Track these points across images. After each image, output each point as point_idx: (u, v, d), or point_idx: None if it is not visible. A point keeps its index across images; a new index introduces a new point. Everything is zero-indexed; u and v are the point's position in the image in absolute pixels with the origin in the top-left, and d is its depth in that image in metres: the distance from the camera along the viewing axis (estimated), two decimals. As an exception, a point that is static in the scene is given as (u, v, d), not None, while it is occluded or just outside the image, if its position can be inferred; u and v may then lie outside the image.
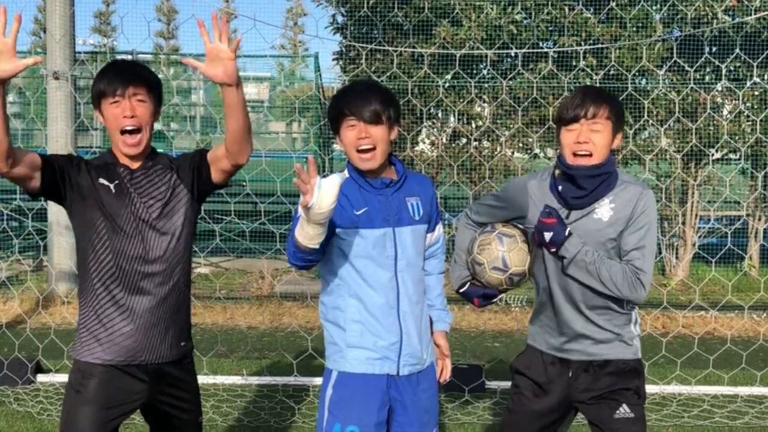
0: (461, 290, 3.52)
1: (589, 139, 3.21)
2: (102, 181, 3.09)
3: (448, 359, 3.42)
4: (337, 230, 3.08)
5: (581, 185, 3.25)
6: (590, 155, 3.22)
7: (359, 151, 3.11)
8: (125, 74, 3.11)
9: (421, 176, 3.41)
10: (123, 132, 3.07)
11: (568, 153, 3.26)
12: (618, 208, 3.25)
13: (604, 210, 3.26)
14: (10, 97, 14.81)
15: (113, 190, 3.08)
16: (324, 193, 2.80)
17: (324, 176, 2.85)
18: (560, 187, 3.30)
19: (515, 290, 9.01)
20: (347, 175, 3.13)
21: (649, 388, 6.40)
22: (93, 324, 3.09)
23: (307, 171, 2.82)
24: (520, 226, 3.41)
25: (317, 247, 2.95)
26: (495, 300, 3.53)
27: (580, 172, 3.23)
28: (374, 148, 3.12)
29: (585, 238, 3.24)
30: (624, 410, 3.28)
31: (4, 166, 2.91)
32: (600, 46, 9.35)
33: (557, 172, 3.33)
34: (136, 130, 3.08)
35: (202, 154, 3.19)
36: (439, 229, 3.40)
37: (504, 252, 3.33)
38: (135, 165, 3.15)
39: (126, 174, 3.12)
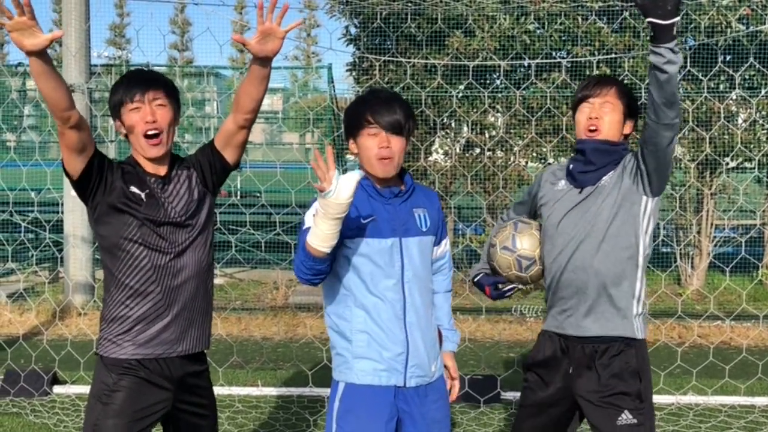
0: (475, 279, 3.66)
1: (600, 115, 3.39)
2: (133, 189, 3.15)
3: (457, 381, 3.39)
4: (344, 239, 3.06)
5: (590, 159, 3.40)
6: (599, 130, 3.39)
7: (379, 159, 3.11)
8: (142, 80, 3.19)
9: (428, 189, 3.40)
10: (145, 136, 3.14)
11: (582, 131, 3.44)
12: (616, 173, 3.39)
13: (607, 178, 3.40)
14: (27, 110, 14.92)
15: (144, 199, 3.15)
16: (342, 185, 2.85)
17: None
18: (571, 166, 3.47)
19: (529, 301, 9.02)
20: (363, 174, 3.05)
21: (665, 399, 6.39)
22: (125, 319, 3.13)
23: (324, 158, 2.85)
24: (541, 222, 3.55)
25: (329, 251, 2.94)
26: (508, 293, 3.58)
27: (589, 145, 3.39)
28: (392, 158, 3.13)
29: (597, 207, 3.34)
30: (626, 416, 3.29)
31: (63, 113, 2.95)
32: (613, 56, 9.35)
33: (571, 156, 3.54)
34: (157, 135, 3.15)
35: (213, 149, 3.27)
36: (446, 244, 3.38)
37: (515, 234, 3.51)
38: (162, 172, 3.21)
39: (155, 182, 3.19)
